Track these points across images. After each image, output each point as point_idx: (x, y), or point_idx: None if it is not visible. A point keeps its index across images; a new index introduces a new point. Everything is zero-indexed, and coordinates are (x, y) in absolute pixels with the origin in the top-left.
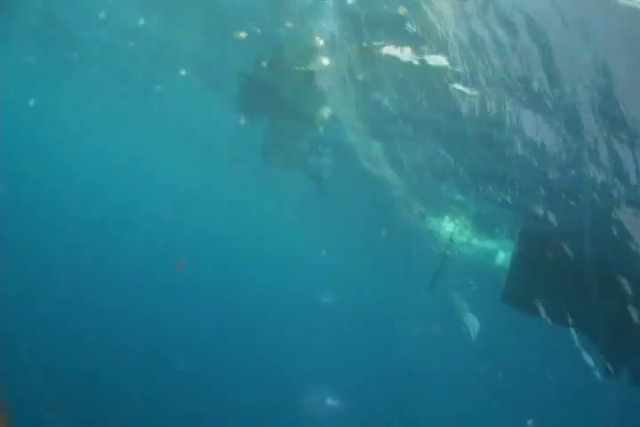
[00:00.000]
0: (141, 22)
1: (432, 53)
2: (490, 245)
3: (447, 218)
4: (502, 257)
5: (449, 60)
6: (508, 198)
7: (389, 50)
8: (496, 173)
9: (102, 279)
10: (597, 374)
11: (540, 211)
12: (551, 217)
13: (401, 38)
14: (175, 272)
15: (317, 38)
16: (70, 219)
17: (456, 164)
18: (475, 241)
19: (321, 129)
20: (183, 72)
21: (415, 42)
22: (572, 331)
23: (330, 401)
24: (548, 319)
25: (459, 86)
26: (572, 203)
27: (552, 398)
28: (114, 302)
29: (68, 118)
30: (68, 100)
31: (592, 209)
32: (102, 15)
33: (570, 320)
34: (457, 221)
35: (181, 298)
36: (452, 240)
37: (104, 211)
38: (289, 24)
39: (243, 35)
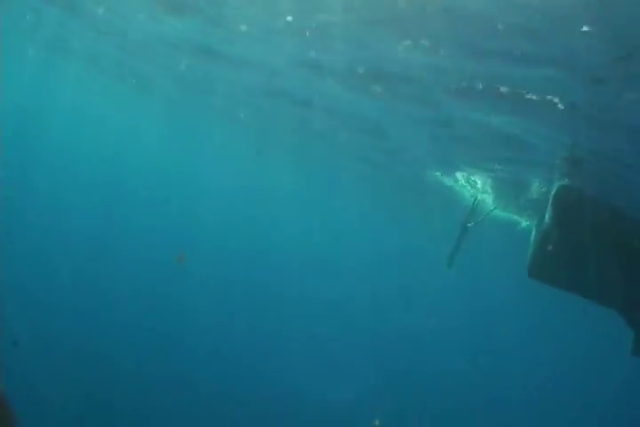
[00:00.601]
0: None
1: None
2: (515, 214)
3: (469, 181)
4: (526, 226)
5: None
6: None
7: None
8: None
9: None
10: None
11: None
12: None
13: None
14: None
15: None
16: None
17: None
18: (498, 211)
19: None
20: None
21: None
22: (602, 306)
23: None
24: (580, 294)
25: None
26: None
27: (578, 374)
28: (131, 299)
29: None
30: None
31: None
32: None
33: (602, 295)
34: (479, 183)
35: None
36: (473, 209)
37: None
38: None
39: None
